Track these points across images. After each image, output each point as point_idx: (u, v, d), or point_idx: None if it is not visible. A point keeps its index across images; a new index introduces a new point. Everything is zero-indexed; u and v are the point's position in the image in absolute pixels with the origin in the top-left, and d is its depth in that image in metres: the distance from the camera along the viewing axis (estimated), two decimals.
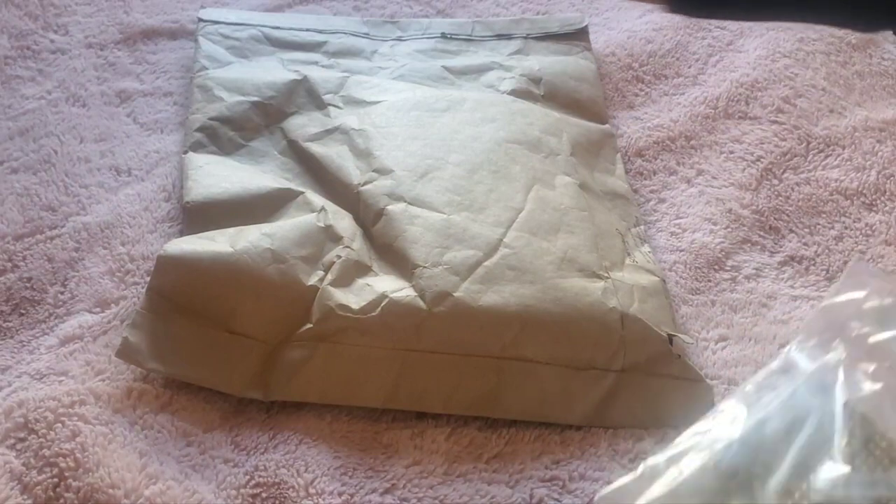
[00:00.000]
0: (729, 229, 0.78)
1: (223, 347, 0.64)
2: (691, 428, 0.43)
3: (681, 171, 0.83)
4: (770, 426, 0.41)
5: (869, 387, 0.41)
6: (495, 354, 0.64)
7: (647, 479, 0.41)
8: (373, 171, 0.73)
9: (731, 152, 0.85)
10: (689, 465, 0.41)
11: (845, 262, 0.76)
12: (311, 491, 0.59)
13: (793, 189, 0.82)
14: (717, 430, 0.42)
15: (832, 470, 0.38)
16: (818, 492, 0.38)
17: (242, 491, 0.59)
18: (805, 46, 0.94)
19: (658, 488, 0.40)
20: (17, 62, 0.87)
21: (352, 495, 0.59)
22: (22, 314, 0.68)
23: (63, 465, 0.58)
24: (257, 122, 0.79)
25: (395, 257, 0.68)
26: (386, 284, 0.66)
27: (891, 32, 0.98)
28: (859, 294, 0.44)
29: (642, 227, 0.76)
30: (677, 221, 0.79)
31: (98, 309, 0.68)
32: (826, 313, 0.44)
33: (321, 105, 0.80)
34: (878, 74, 0.93)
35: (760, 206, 0.80)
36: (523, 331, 0.64)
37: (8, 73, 0.86)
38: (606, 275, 0.68)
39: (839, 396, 0.41)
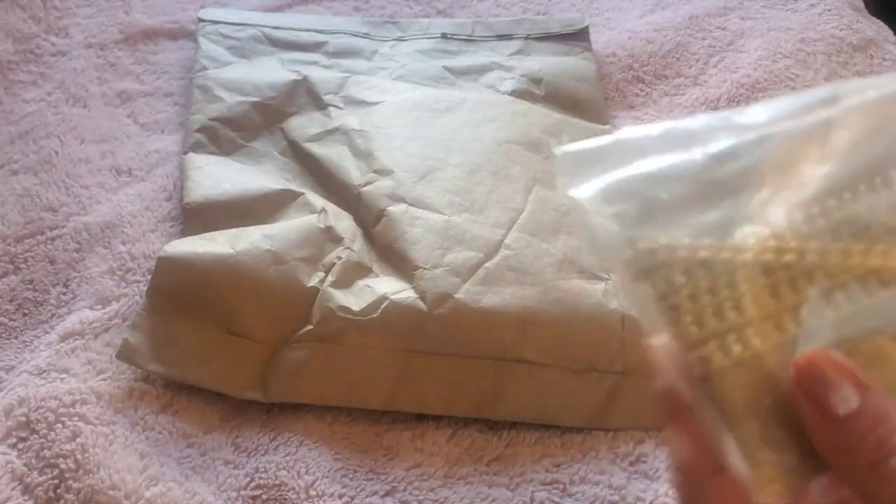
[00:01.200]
0: None
1: (223, 349, 0.64)
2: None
3: None
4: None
5: None
6: (496, 356, 0.64)
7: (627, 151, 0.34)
8: (373, 171, 0.73)
9: None
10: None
11: None
12: (312, 493, 0.59)
13: None
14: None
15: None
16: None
17: (243, 493, 0.59)
18: (806, 47, 0.94)
19: (640, 167, 0.33)
20: (19, 66, 0.87)
21: (352, 497, 0.59)
22: (25, 314, 0.68)
23: (64, 466, 0.58)
24: (257, 123, 0.79)
25: (395, 258, 0.68)
26: (386, 286, 0.66)
27: (891, 33, 0.98)
28: None
29: None
30: None
31: (99, 306, 0.68)
32: None
33: (321, 105, 0.80)
34: (879, 75, 0.93)
35: None
36: (524, 332, 0.64)
37: (11, 79, 0.86)
38: (607, 276, 0.68)
39: None
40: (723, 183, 0.32)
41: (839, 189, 0.32)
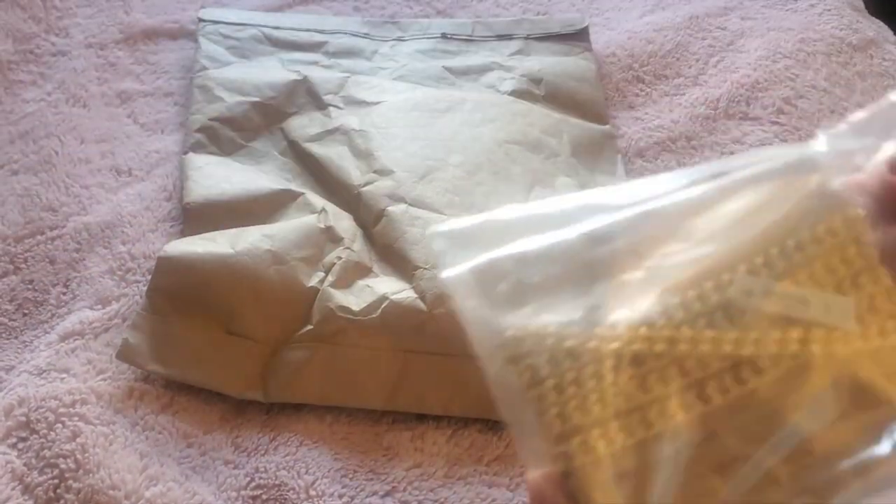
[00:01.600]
0: None
1: (223, 349, 0.64)
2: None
3: None
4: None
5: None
6: None
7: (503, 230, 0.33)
8: (373, 171, 0.73)
9: (732, 153, 0.85)
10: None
11: None
12: (312, 493, 0.59)
13: None
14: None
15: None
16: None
17: (243, 493, 0.59)
18: (806, 47, 0.94)
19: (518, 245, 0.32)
20: (19, 66, 0.87)
21: (352, 497, 0.59)
22: (25, 314, 0.68)
23: (64, 466, 0.58)
24: (257, 123, 0.79)
25: (395, 258, 0.68)
26: (386, 286, 0.66)
27: (891, 33, 0.98)
28: None
29: None
30: None
31: (99, 306, 0.68)
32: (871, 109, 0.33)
33: (321, 105, 0.80)
34: (879, 75, 0.93)
35: None
36: None
37: (11, 79, 0.86)
38: None
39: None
40: (597, 264, 0.31)
41: (719, 270, 0.30)
